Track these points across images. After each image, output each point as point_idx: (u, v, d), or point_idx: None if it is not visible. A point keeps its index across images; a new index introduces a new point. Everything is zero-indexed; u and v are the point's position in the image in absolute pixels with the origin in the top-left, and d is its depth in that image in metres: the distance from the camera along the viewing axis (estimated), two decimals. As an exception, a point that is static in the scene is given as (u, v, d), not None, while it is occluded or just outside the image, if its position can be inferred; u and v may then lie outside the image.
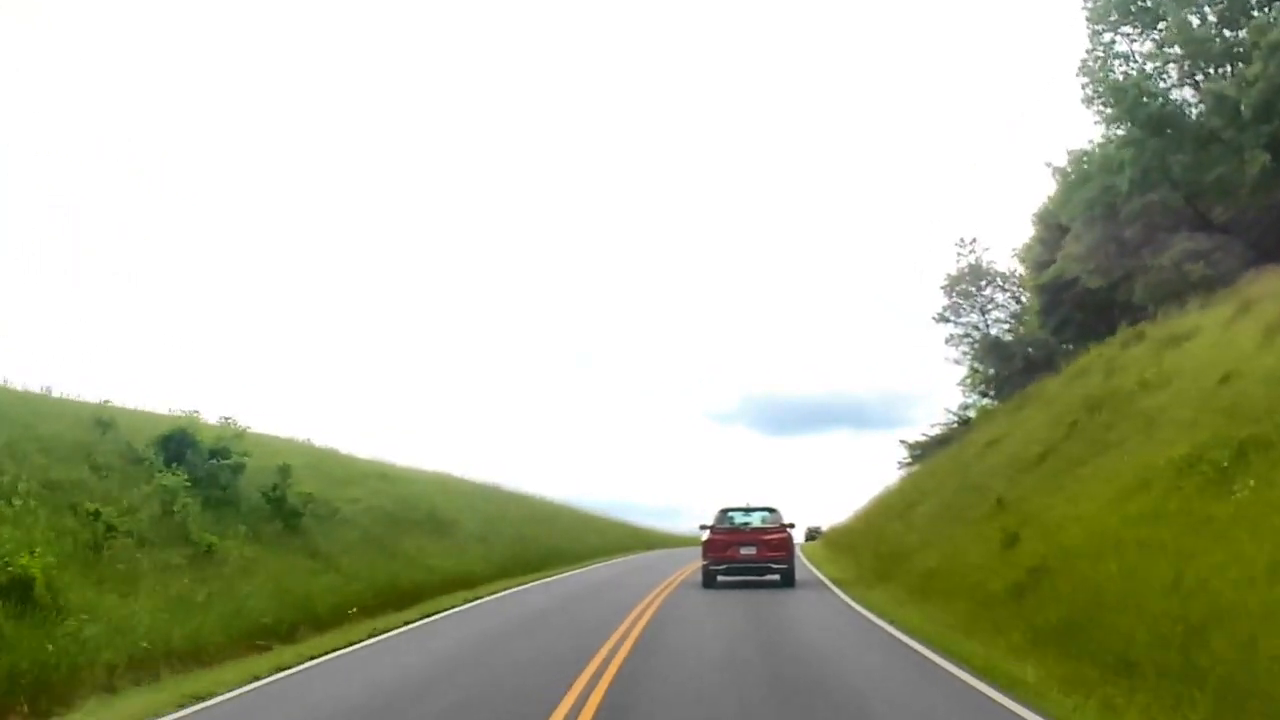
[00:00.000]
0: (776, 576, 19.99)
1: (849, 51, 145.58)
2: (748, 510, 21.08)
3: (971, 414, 45.26)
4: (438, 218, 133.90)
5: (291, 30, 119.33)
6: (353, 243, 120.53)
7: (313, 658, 11.25)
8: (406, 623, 14.67)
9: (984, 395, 46.63)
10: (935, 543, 17.71)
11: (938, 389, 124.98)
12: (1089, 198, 27.23)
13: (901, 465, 47.79)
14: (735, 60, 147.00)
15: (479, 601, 18.17)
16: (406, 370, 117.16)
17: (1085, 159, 28.36)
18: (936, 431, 47.05)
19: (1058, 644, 9.20)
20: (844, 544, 33.39)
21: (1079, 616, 9.35)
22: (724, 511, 21.05)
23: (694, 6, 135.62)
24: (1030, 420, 24.85)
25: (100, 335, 76.71)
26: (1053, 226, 37.29)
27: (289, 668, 10.59)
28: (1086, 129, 55.06)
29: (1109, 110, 27.12)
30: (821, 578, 21.90)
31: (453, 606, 17.04)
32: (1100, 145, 28.01)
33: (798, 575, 20.96)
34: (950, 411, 48.11)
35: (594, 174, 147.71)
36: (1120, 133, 27.21)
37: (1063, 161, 29.80)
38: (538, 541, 31.18)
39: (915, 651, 10.80)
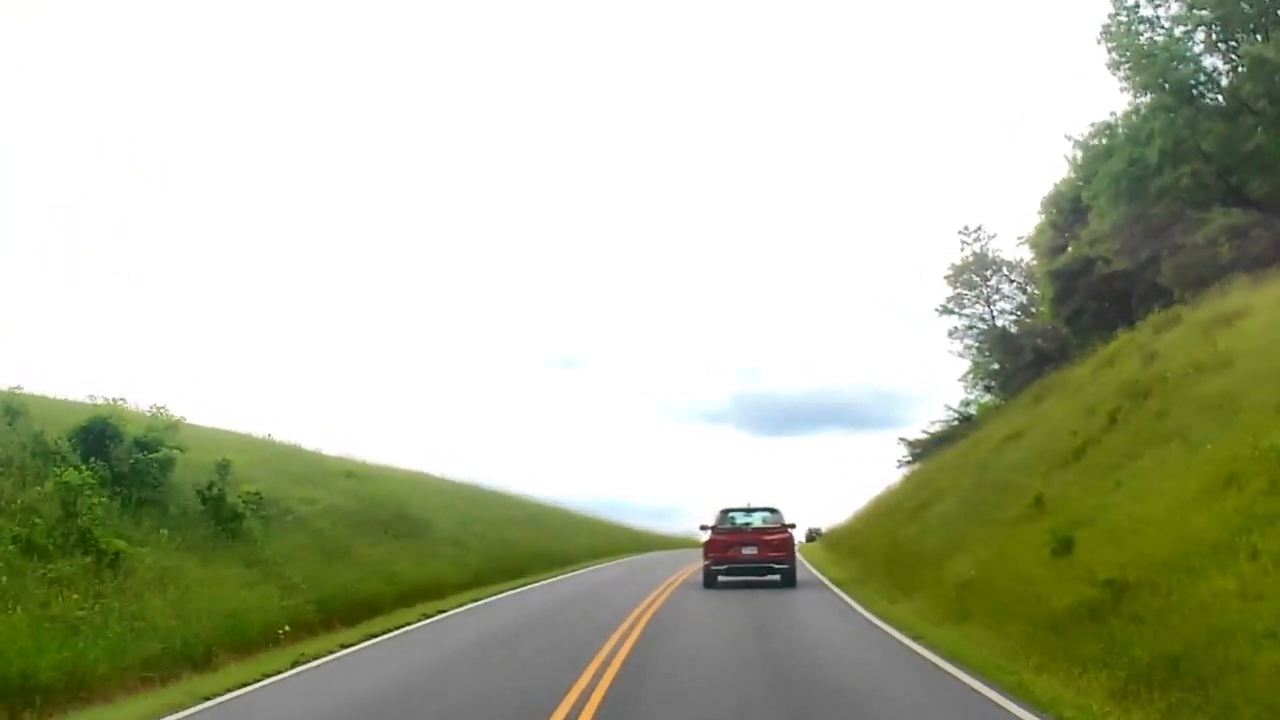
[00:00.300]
0: (777, 577, 19.88)
1: (844, 46, 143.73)
2: (749, 510, 20.81)
3: (973, 410, 43.65)
4: (432, 215, 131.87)
5: (281, 32, 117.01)
6: (349, 241, 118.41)
7: (207, 698, 8.95)
8: (343, 645, 12.27)
9: (988, 390, 45.06)
10: (966, 547, 15.56)
11: (935, 389, 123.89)
12: (1115, 171, 25.07)
13: (901, 464, 46.32)
14: (729, 58, 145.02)
15: (440, 617, 15.86)
16: (394, 370, 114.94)
17: (1108, 131, 26.20)
18: (937, 429, 45.61)
19: (1175, 688, 6.94)
20: (846, 546, 31.36)
21: (1195, 650, 7.11)
22: (725, 512, 20.79)
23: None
24: (1054, 412, 23.00)
25: (84, 334, 74.35)
26: (1066, 210, 35.34)
27: (166, 715, 8.25)
28: (1097, 114, 52.83)
29: (1136, 77, 24.99)
30: (834, 588, 19.76)
31: (407, 624, 14.67)
32: (1125, 116, 25.88)
33: (807, 583, 20.31)
34: (951, 408, 46.91)
35: (586, 170, 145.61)
36: (1147, 101, 25.14)
37: (1081, 137, 27.61)
38: (521, 544, 29.05)
39: (982, 695, 8.21)
